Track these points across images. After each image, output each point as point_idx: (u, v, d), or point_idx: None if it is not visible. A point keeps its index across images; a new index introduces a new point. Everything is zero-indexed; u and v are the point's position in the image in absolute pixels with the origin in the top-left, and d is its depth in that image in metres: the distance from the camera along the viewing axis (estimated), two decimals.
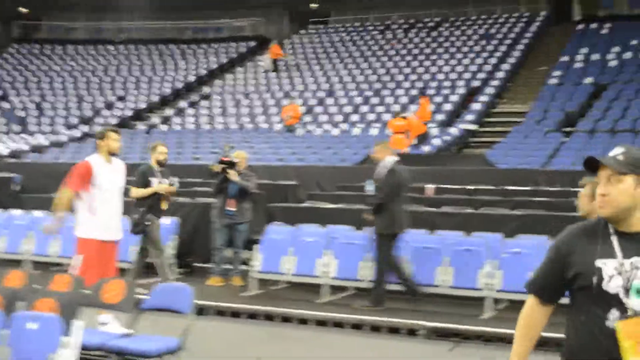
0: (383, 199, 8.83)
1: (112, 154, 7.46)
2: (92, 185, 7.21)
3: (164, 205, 9.48)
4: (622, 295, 2.75)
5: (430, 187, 13.11)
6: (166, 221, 11.37)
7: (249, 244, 11.02)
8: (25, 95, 29.87)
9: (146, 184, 9.36)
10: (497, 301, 8.87)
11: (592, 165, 2.88)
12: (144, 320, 5.81)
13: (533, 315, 3.04)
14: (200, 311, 8.89)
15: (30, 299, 4.99)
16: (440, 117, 22.42)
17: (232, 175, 10.23)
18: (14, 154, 22.66)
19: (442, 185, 13.79)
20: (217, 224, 10.50)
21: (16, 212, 12.62)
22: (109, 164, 7.41)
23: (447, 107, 23.19)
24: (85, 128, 25.64)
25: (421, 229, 10.22)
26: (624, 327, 2.71)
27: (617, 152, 2.86)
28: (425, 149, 19.63)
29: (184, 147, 21.90)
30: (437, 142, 20.06)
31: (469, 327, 7.96)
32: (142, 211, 9.24)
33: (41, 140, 24.47)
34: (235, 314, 8.96)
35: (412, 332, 8.03)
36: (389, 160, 9.08)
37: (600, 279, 2.78)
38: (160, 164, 9.51)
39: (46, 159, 21.82)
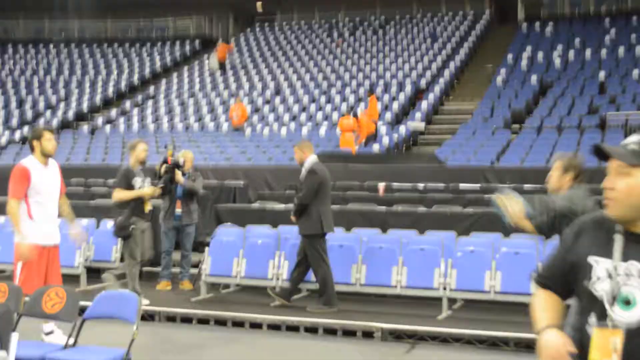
0: (303, 200, 8.64)
1: (47, 155, 7.04)
2: (29, 189, 6.85)
3: (148, 207, 9.05)
4: (605, 300, 2.42)
5: (380, 186, 12.96)
6: (109, 224, 11.05)
7: (198, 247, 10.76)
8: None
9: (129, 186, 8.88)
10: (452, 301, 8.74)
11: (603, 155, 2.48)
12: (88, 330, 5.49)
13: (545, 299, 2.63)
14: (150, 317, 8.62)
15: None
16: (389, 115, 22.36)
17: (178, 176, 9.91)
18: None
19: (393, 184, 13.66)
20: (163, 227, 10.15)
21: None
22: (44, 166, 7.04)
23: (396, 105, 23.15)
24: (26, 130, 24.92)
25: (374, 229, 10.04)
26: (596, 336, 2.40)
27: (630, 140, 2.46)
28: (375, 147, 19.52)
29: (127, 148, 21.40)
30: (386, 141, 19.97)
31: (426, 327, 7.79)
32: (126, 214, 8.82)
33: None
34: (186, 319, 8.65)
35: (368, 334, 7.84)
36: (309, 160, 8.91)
37: (588, 277, 2.48)
38: (141, 163, 9.09)
39: None
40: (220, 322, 8.46)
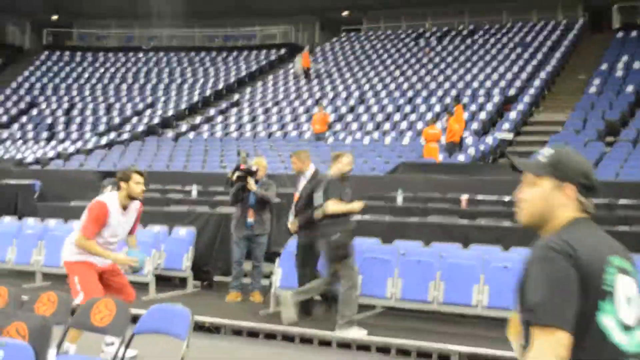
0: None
1: (132, 198, 6.71)
2: (102, 227, 6.59)
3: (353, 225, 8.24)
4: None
5: (463, 198, 12.35)
6: (182, 232, 10.83)
7: (271, 257, 10.38)
8: (55, 102, 29.65)
9: (340, 198, 7.99)
10: None
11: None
12: (142, 343, 5.17)
13: None
14: (216, 330, 8.30)
15: (4, 322, 4.35)
16: (476, 125, 21.65)
17: (251, 184, 9.57)
18: (39, 161, 22.29)
19: (477, 196, 13.00)
20: (235, 236, 9.82)
21: (29, 221, 12.04)
22: (124, 210, 6.71)
23: (483, 115, 22.41)
24: (112, 135, 25.25)
25: (454, 243, 9.45)
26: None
27: (542, 152, 2.60)
28: (460, 158, 18.87)
29: (210, 155, 21.39)
30: (472, 151, 19.29)
31: (508, 352, 7.18)
32: (342, 231, 7.87)
33: (67, 147, 24.11)
34: (252, 334, 8.28)
35: (444, 357, 7.29)
36: (311, 170, 8.84)
37: None
38: (343, 177, 8.17)
39: (70, 166, 21.39)
40: (288, 338, 8.05)
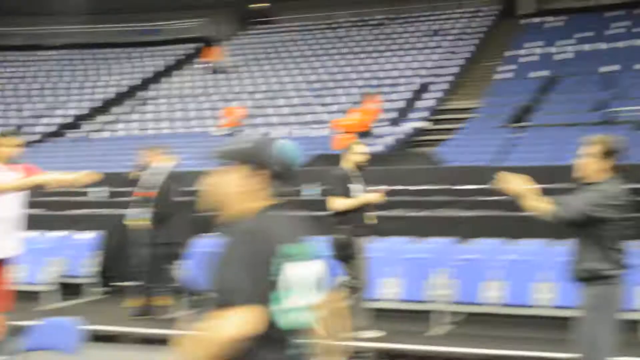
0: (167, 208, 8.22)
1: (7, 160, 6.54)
2: None
3: (372, 220, 7.60)
4: None
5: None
6: (89, 235, 10.39)
7: (175, 260, 10.00)
8: None
9: (347, 193, 7.41)
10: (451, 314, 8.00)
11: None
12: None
13: None
14: (117, 338, 7.94)
15: None
16: (390, 114, 21.63)
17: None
18: None
19: (391, 187, 12.87)
20: (140, 240, 9.40)
21: None
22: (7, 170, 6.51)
23: (396, 105, 22.42)
24: None
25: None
26: None
27: (237, 142, 2.74)
28: (374, 149, 18.78)
29: (113, 155, 20.72)
30: (386, 141, 19.27)
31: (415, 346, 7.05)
32: (348, 230, 7.32)
33: None
34: (161, 341, 7.90)
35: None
36: (165, 165, 8.64)
37: None
38: (358, 167, 7.61)
39: None
40: None
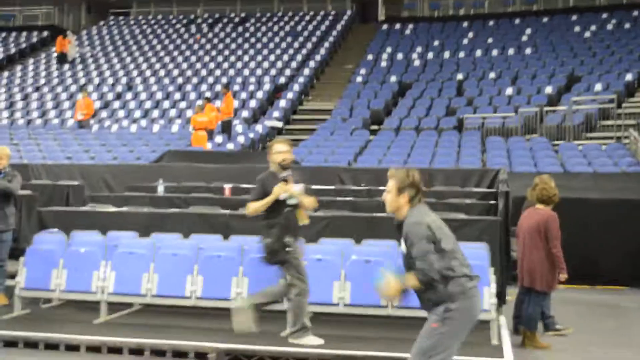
0: None
1: None
2: None
3: (304, 220, 7.14)
4: None
5: (227, 187, 12.03)
6: None
7: (18, 255, 9.47)
8: None
9: (266, 195, 6.99)
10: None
11: None
12: None
13: None
14: None
15: None
16: (246, 113, 21.51)
17: None
18: None
19: (243, 185, 12.73)
20: None
21: None
22: None
23: (253, 103, 22.33)
24: None
25: (217, 234, 9.09)
26: None
27: None
28: (230, 146, 18.59)
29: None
30: (242, 139, 19.11)
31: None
32: (276, 233, 6.94)
33: None
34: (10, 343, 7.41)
35: (201, 355, 6.92)
36: None
37: None
38: (283, 167, 7.11)
39: None
40: (31, 345, 7.30)
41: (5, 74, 26.97)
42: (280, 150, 7.13)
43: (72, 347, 7.22)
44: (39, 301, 8.73)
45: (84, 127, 21.07)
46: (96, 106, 22.52)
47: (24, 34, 31.27)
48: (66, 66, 26.94)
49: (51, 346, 7.26)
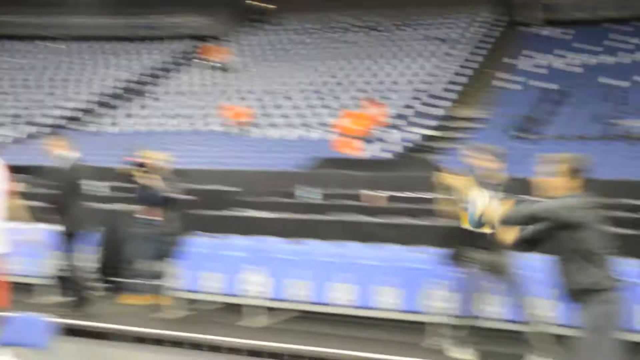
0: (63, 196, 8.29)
1: None
2: None
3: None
4: None
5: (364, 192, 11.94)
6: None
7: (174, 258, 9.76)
8: None
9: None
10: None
11: None
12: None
13: None
14: (116, 337, 7.71)
15: None
16: (395, 121, 21.38)
17: (150, 179, 8.94)
18: None
19: (396, 194, 12.63)
20: (139, 235, 9.16)
21: None
22: None
23: (402, 112, 22.14)
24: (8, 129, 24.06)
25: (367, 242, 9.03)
26: None
27: None
28: (382, 154, 18.63)
29: (117, 150, 20.43)
30: (393, 147, 19.10)
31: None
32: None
33: None
34: (158, 341, 7.67)
35: None
36: (67, 155, 8.55)
37: None
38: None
39: None
40: (196, 346, 7.48)
41: (162, 81, 28.00)
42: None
43: (234, 350, 7.32)
44: (193, 303, 8.90)
45: (239, 134, 21.64)
46: (252, 113, 22.87)
47: (173, 43, 32.11)
48: (220, 73, 27.71)
49: (214, 348, 7.40)
